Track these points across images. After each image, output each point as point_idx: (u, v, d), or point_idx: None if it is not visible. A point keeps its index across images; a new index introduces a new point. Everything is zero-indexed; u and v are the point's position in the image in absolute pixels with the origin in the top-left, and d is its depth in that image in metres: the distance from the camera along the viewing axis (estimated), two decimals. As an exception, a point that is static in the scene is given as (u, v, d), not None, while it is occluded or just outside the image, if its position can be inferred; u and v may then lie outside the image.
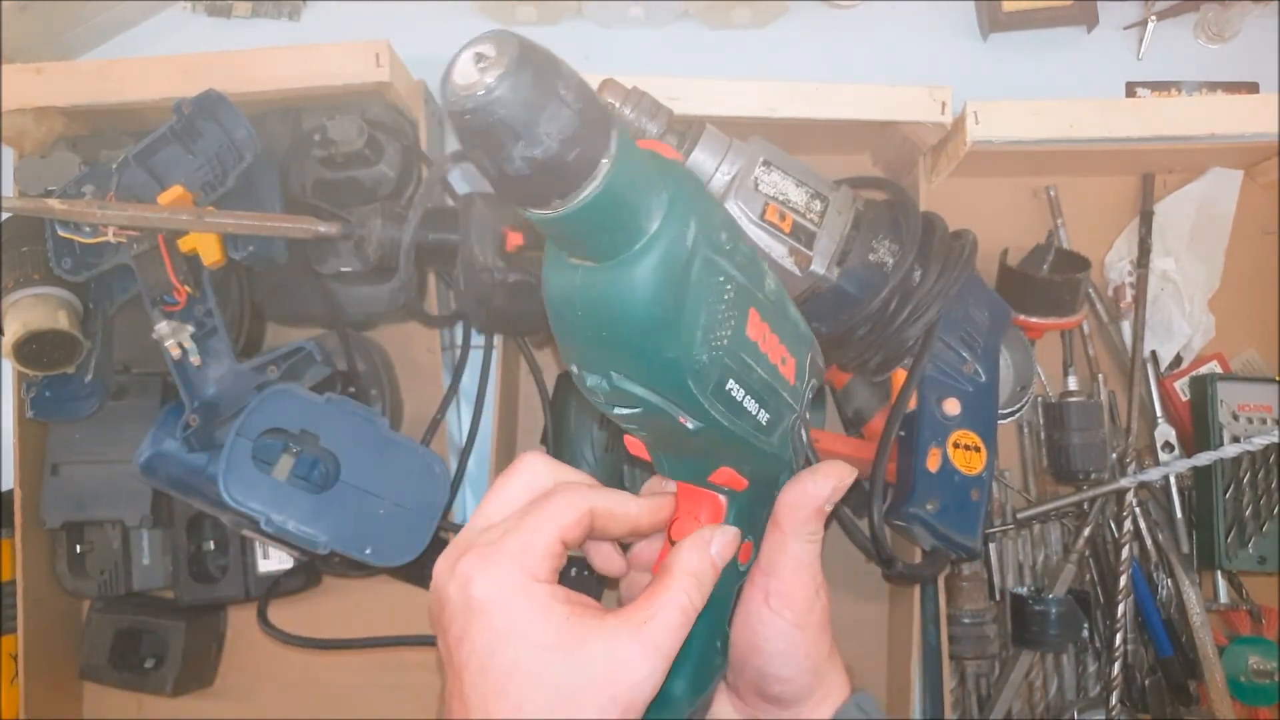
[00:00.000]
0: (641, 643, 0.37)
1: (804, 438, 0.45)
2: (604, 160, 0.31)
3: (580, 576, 0.75)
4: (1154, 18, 0.90)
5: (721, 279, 0.36)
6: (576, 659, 0.36)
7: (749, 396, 0.39)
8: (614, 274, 0.34)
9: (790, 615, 0.44)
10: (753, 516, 0.46)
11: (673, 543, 0.44)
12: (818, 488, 0.44)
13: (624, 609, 0.39)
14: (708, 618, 0.46)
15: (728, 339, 0.37)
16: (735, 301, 0.37)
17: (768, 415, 0.41)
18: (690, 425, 0.38)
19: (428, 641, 0.78)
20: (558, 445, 0.79)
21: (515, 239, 0.68)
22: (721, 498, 0.45)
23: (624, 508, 0.42)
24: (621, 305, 0.34)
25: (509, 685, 0.36)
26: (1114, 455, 0.81)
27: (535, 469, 0.42)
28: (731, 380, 0.38)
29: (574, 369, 0.38)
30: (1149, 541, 0.81)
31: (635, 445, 0.43)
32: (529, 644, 0.36)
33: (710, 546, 0.42)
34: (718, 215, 0.37)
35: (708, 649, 0.46)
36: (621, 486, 0.78)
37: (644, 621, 0.38)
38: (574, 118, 0.30)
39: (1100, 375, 0.84)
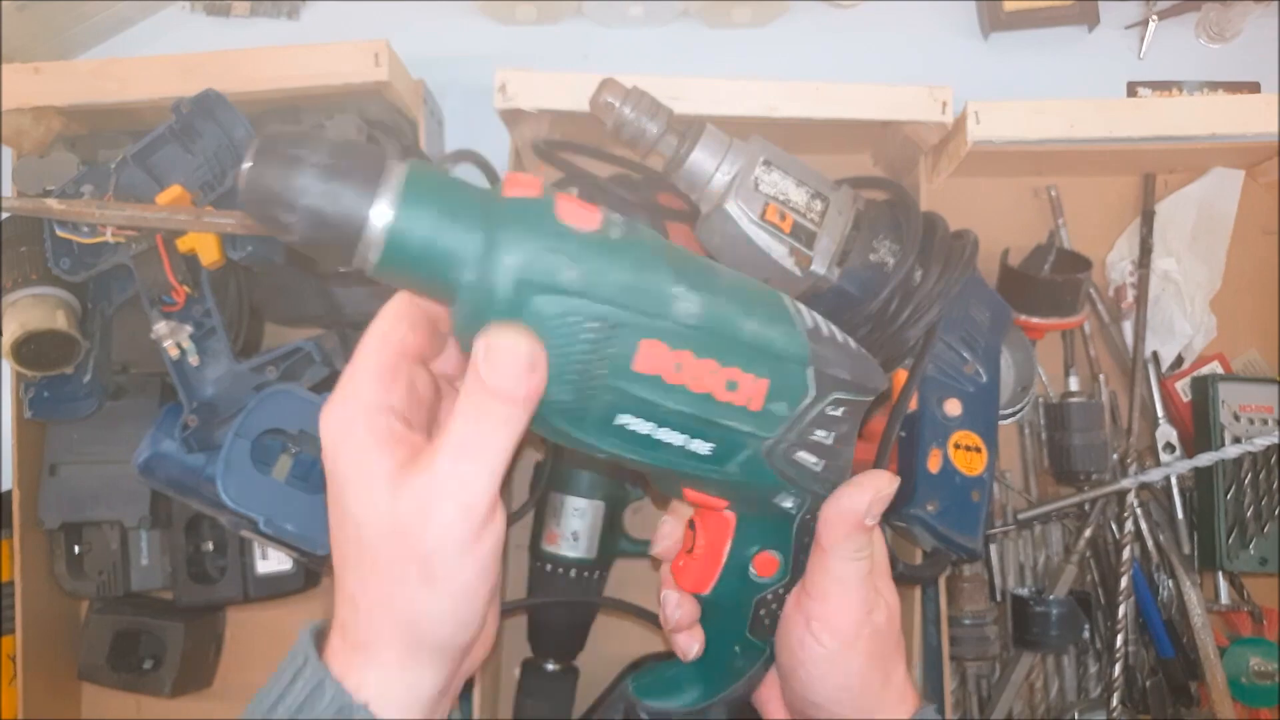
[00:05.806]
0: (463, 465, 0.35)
1: (813, 457, 0.42)
2: (368, 214, 0.32)
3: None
4: (1155, 17, 0.90)
5: (573, 318, 0.34)
6: (406, 489, 0.35)
7: (664, 428, 0.37)
8: (454, 324, 0.35)
9: (831, 641, 0.42)
10: (769, 530, 0.44)
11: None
12: (854, 501, 0.42)
13: (436, 441, 0.36)
14: (719, 626, 0.46)
15: (605, 376, 0.35)
16: (608, 339, 0.35)
17: (709, 445, 0.39)
18: (600, 456, 0.38)
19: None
20: (558, 445, 0.78)
21: (514, 239, 0.68)
22: (728, 513, 0.44)
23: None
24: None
25: (346, 522, 0.36)
26: (1115, 456, 0.81)
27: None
28: (626, 415, 0.37)
29: None
30: (1150, 542, 0.81)
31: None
32: (363, 478, 0.35)
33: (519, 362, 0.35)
34: (563, 252, 0.34)
35: (723, 652, 0.46)
36: (624, 486, 0.79)
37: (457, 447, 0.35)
38: (320, 175, 0.31)
39: (1101, 376, 0.83)
